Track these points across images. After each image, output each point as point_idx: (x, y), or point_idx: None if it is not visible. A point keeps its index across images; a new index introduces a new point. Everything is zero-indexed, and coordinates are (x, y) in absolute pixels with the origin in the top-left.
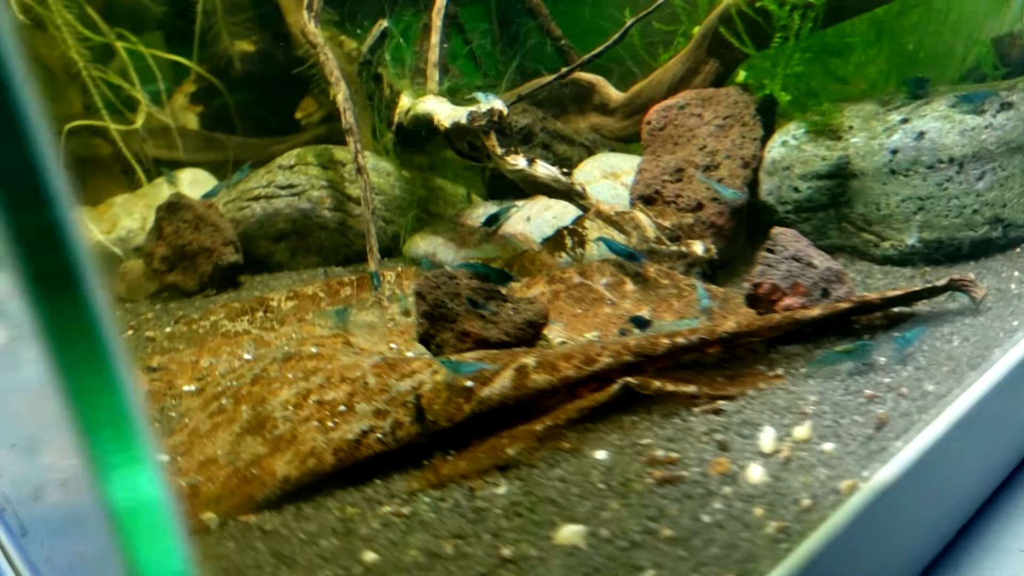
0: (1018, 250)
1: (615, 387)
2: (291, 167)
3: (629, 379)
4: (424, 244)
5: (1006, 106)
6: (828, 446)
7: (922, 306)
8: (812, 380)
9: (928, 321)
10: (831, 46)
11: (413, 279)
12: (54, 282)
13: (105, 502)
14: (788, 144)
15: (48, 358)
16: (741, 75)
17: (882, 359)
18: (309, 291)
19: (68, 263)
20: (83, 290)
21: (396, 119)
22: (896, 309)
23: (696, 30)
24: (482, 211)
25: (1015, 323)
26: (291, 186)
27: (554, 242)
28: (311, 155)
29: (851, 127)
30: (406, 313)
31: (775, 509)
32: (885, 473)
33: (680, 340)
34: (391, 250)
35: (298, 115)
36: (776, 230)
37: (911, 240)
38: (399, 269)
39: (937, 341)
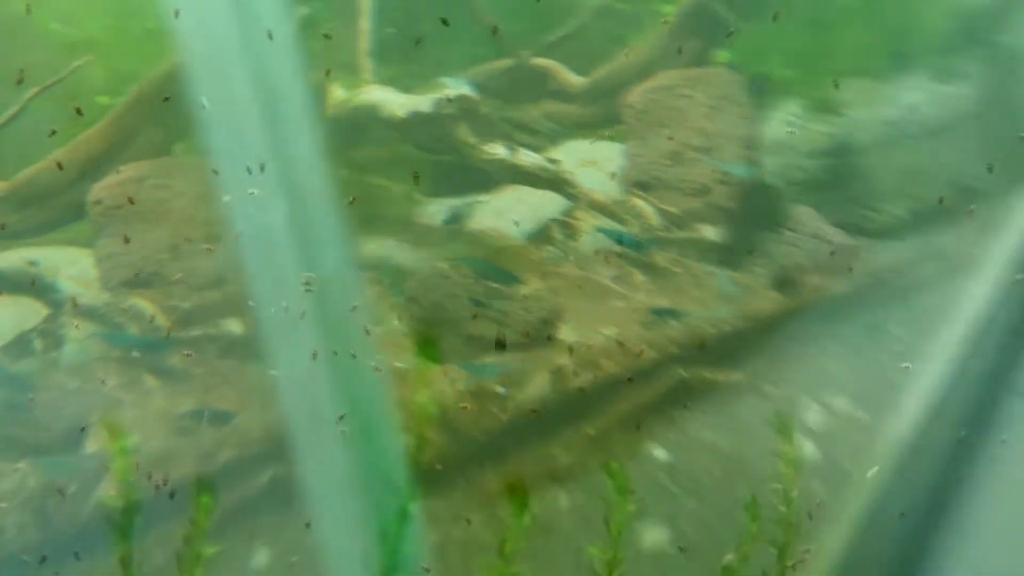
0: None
1: (667, 382)
2: None
3: (682, 371)
4: (372, 247)
5: (962, 75)
6: (860, 414)
7: (910, 273)
8: (842, 354)
9: (920, 287)
10: (821, 19)
11: (375, 285)
12: None
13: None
14: (790, 122)
15: None
16: (724, 55)
17: (892, 325)
18: None
19: None
20: None
21: (328, 113)
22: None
23: (670, 9)
24: (435, 208)
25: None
26: None
27: (540, 235)
28: None
29: (850, 102)
30: (377, 321)
31: (828, 480)
32: (899, 428)
33: (725, 328)
34: None
35: None
36: (794, 209)
37: (901, 212)
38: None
39: (925, 303)
